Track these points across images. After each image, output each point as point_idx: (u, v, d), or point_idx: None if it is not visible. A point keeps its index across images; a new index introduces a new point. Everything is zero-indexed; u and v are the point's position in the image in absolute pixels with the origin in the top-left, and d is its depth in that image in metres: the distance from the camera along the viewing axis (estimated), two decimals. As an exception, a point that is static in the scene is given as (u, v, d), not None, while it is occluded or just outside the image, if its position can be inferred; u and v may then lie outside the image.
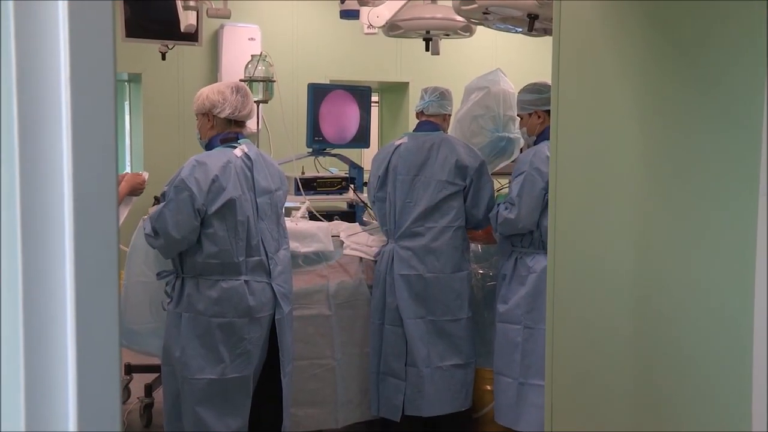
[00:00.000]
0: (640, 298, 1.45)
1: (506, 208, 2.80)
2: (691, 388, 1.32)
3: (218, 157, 2.42)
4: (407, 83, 6.02)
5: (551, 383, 1.68)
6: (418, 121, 3.09)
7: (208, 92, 2.51)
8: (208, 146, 2.53)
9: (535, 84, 2.92)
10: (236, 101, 2.49)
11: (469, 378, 2.99)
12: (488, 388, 3.09)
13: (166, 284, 2.51)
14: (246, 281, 2.43)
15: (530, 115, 2.91)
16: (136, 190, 2.72)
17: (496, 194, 3.11)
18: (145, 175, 2.80)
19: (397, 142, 3.02)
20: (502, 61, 5.56)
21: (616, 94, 1.52)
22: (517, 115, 3.05)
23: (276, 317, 2.50)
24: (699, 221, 1.30)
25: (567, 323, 1.65)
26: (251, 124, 4.70)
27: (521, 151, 3.57)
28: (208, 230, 2.37)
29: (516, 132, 3.28)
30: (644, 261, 1.44)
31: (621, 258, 1.49)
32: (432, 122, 3.05)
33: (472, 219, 2.99)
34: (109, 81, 0.66)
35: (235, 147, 2.48)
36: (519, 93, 2.99)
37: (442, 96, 3.08)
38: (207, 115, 2.51)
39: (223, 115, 2.48)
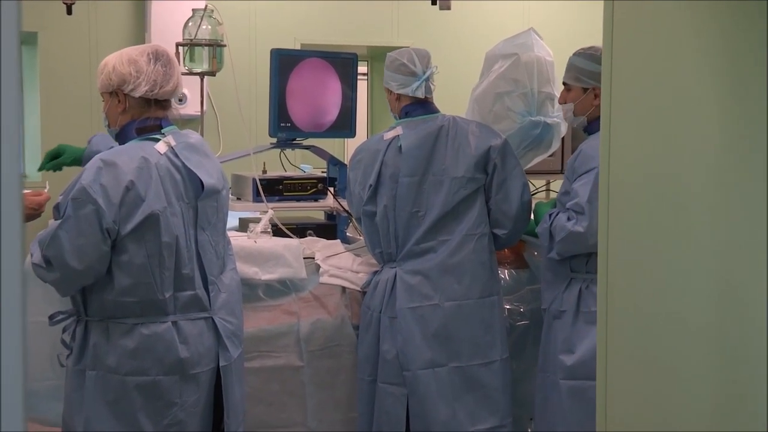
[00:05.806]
0: (722, 329, 1.48)
1: (570, 219, 2.74)
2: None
3: (133, 154, 2.38)
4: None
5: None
6: (403, 105, 3.06)
7: (114, 62, 2.46)
8: (121, 137, 2.50)
9: (597, 49, 2.83)
10: (156, 73, 2.45)
11: None
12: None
13: (63, 330, 2.49)
14: (174, 323, 2.42)
15: (585, 90, 2.89)
16: (30, 216, 2.61)
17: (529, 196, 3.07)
18: (46, 192, 2.68)
19: (388, 135, 3.02)
20: (535, 20, 5.61)
21: (687, 68, 1.55)
22: (563, 83, 2.98)
23: (221, 365, 2.49)
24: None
25: (626, 360, 1.68)
26: (192, 107, 4.72)
27: (563, 141, 3.59)
28: (122, 257, 2.35)
29: (555, 115, 3.28)
30: (725, 278, 1.47)
31: (694, 274, 1.53)
32: (425, 101, 3.07)
33: (503, 219, 2.98)
34: (11, 48, 0.67)
35: (158, 139, 2.45)
36: (573, 56, 2.93)
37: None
38: (116, 94, 2.47)
39: (137, 94, 2.44)
